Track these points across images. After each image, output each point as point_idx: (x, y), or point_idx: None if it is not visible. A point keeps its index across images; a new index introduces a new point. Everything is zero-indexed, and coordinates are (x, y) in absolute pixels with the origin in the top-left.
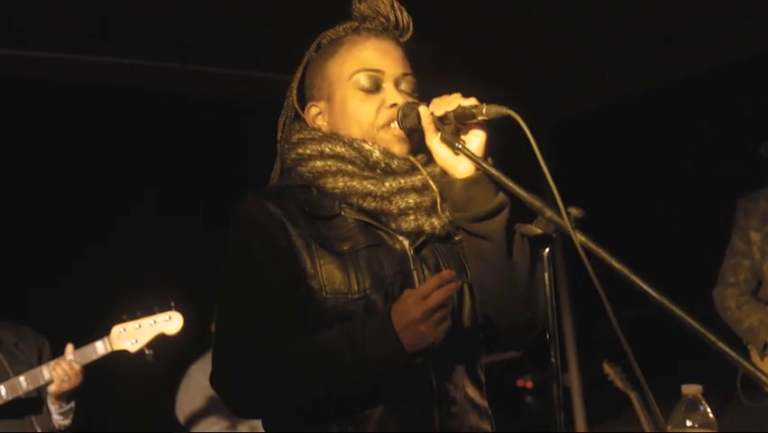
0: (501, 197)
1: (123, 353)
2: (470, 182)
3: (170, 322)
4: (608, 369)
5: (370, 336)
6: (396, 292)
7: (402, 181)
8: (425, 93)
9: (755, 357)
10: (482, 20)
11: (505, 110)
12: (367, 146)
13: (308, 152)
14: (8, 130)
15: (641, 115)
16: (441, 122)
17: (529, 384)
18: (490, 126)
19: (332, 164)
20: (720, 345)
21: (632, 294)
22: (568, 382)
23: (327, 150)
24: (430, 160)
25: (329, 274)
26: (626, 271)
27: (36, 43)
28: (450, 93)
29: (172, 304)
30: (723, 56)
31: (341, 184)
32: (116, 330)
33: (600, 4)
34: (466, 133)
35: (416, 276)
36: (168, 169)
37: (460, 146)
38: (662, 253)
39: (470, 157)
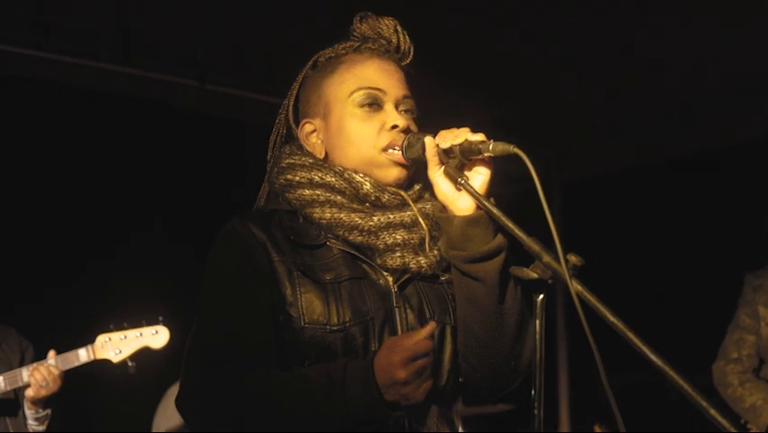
0: (500, 239)
1: (106, 362)
2: (469, 221)
3: (157, 336)
4: (598, 430)
5: (352, 383)
6: (376, 328)
7: (391, 216)
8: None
9: None
10: (504, 72)
11: (512, 148)
12: (358, 177)
13: (297, 178)
14: (9, 131)
15: (655, 181)
16: (445, 155)
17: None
18: (502, 175)
19: (320, 194)
20: (713, 412)
21: (637, 359)
22: None
23: (317, 178)
24: (423, 194)
25: (309, 303)
26: (620, 325)
27: (58, 47)
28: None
29: (160, 318)
30: (741, 131)
31: (328, 215)
32: (101, 339)
33: (627, 71)
34: (470, 169)
35: (397, 314)
36: (172, 185)
37: (463, 182)
38: (663, 320)
39: (473, 194)
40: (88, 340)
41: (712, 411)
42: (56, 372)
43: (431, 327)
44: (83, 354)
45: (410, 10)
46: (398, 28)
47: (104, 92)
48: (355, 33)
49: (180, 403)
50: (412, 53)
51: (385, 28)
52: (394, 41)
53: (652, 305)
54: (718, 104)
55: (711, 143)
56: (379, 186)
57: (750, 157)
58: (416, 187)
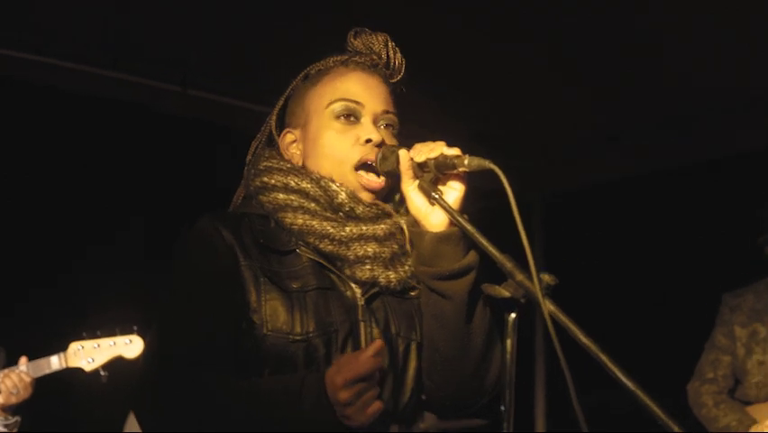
0: (471, 257)
1: (78, 371)
2: (440, 237)
3: (130, 345)
4: None
5: (308, 396)
6: (339, 340)
7: (364, 228)
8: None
9: None
10: (486, 84)
11: (487, 163)
12: (334, 186)
13: (273, 181)
14: None
15: (637, 195)
16: (420, 169)
17: None
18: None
19: (294, 199)
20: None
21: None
22: None
23: (293, 183)
24: (399, 208)
25: (273, 311)
26: (592, 346)
27: (42, 48)
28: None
29: (135, 328)
30: (727, 145)
31: (300, 221)
32: (74, 347)
33: (610, 83)
34: (445, 183)
35: (362, 328)
36: (151, 191)
37: (437, 196)
38: (639, 335)
39: (446, 209)
40: (61, 348)
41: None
42: (27, 379)
43: (376, 346)
44: (55, 362)
45: (394, 19)
46: (390, 44)
47: (86, 95)
48: (348, 48)
49: (136, 402)
50: (403, 70)
51: (376, 43)
52: (384, 56)
53: (630, 319)
54: (704, 118)
55: (696, 157)
56: (355, 197)
57: (735, 172)
58: (396, 197)
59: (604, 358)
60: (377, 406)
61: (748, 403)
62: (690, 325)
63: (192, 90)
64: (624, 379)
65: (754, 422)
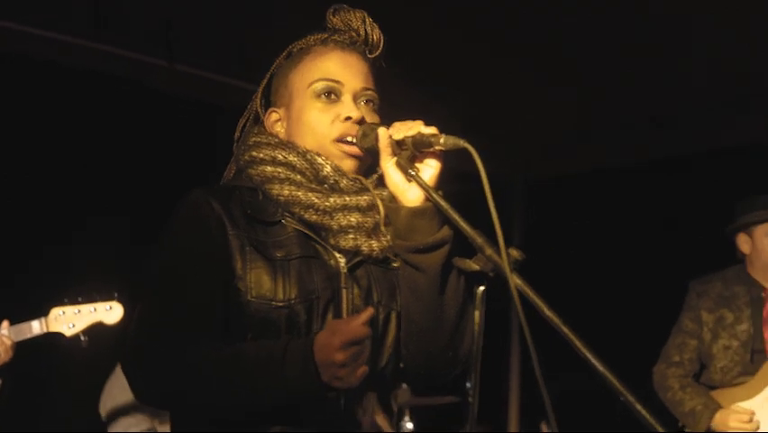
0: (444, 232)
1: (59, 335)
2: (416, 212)
3: (111, 312)
4: (545, 429)
5: (291, 361)
6: (321, 307)
7: (347, 199)
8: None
9: None
10: (475, 71)
11: (462, 142)
12: (320, 160)
13: (261, 155)
14: None
15: (620, 186)
16: (398, 146)
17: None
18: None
19: (281, 171)
20: (642, 410)
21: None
22: None
23: (280, 157)
24: (381, 182)
25: (257, 278)
26: (555, 319)
27: (22, 18)
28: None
29: (115, 294)
30: (710, 139)
31: (286, 192)
32: (55, 312)
33: (597, 78)
34: (421, 161)
35: (344, 294)
36: (137, 164)
37: (413, 173)
38: (611, 319)
39: (422, 186)
40: (42, 313)
41: (641, 409)
42: (8, 342)
43: (368, 313)
44: (36, 326)
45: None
46: (367, 20)
47: (70, 67)
48: (327, 25)
49: (128, 361)
50: (381, 45)
51: (354, 20)
52: (362, 32)
53: (602, 302)
54: (688, 112)
55: (679, 150)
56: (339, 170)
57: (710, 167)
58: (374, 175)
59: (567, 331)
60: (364, 369)
61: (713, 388)
62: (660, 308)
63: (180, 66)
64: (586, 352)
65: (719, 406)
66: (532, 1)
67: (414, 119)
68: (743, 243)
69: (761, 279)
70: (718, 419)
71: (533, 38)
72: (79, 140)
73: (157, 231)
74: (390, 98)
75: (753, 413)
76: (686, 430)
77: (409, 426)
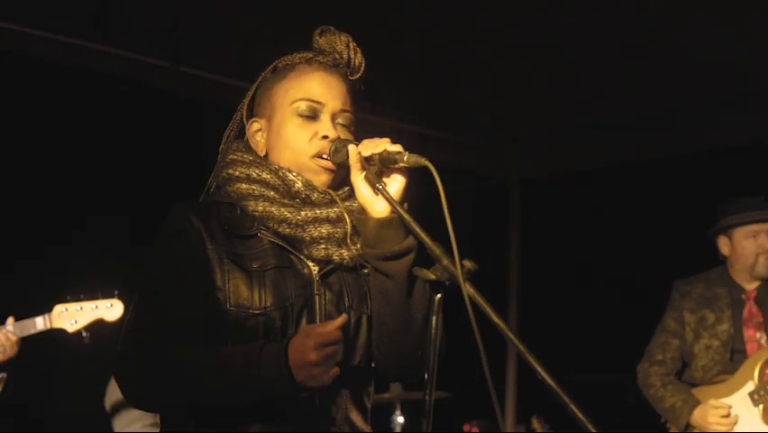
0: (409, 241)
1: (61, 332)
2: (382, 223)
3: (111, 309)
4: (535, 423)
5: (265, 363)
6: (295, 313)
7: (318, 212)
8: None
9: None
10: (474, 68)
11: (423, 161)
12: (291, 176)
13: (237, 173)
14: None
15: (614, 183)
16: (367, 162)
17: (475, 430)
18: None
19: (255, 188)
20: (574, 407)
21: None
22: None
23: (254, 174)
24: (351, 194)
25: (236, 288)
26: (502, 325)
27: (29, 21)
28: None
29: (116, 292)
30: (705, 141)
31: (260, 208)
32: (58, 309)
33: (596, 77)
34: (388, 176)
35: (317, 300)
36: (138, 163)
37: (380, 187)
38: (597, 316)
39: (387, 199)
40: (46, 310)
41: (573, 407)
42: (13, 338)
43: (343, 318)
44: (40, 323)
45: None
46: (351, 44)
47: (75, 68)
48: (314, 45)
49: (118, 368)
50: (362, 69)
51: (339, 43)
52: (345, 56)
53: (591, 300)
54: (687, 111)
55: (678, 149)
56: (310, 185)
57: (714, 165)
58: (346, 188)
59: (511, 336)
60: (336, 370)
61: (694, 385)
62: (647, 308)
63: (184, 67)
64: (527, 355)
65: (698, 403)
66: (532, 1)
67: (416, 117)
68: (723, 245)
69: (741, 281)
70: (697, 414)
71: (532, 38)
72: (80, 140)
73: (153, 227)
74: (390, 95)
75: (730, 407)
76: (668, 426)
77: (400, 420)
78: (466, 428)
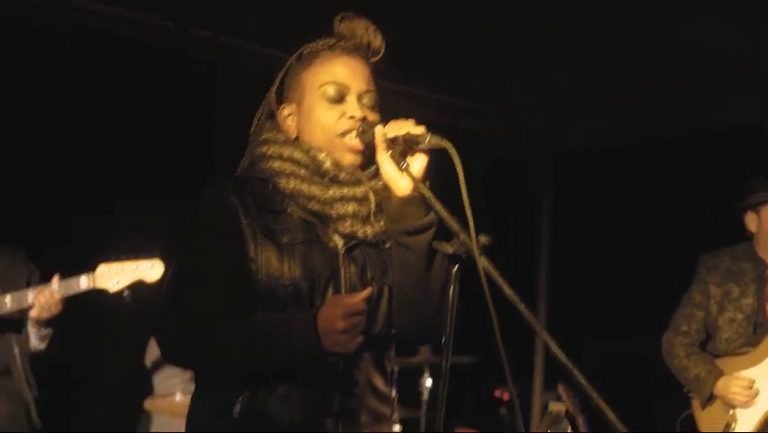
0: (430, 217)
1: (104, 291)
2: (405, 200)
3: (152, 269)
4: (561, 390)
5: (295, 331)
6: (322, 284)
7: (345, 191)
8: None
9: (697, 407)
10: (501, 44)
11: (444, 142)
12: (321, 156)
13: (270, 152)
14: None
15: (644, 159)
16: (392, 142)
17: (506, 396)
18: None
19: (287, 167)
20: (582, 380)
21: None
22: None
23: (286, 153)
24: (377, 174)
25: (267, 260)
26: (514, 298)
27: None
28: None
29: (157, 252)
30: (725, 117)
31: (291, 185)
32: (101, 269)
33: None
34: (412, 155)
35: (342, 273)
36: (182, 129)
37: (404, 166)
38: (628, 289)
39: (411, 177)
40: (90, 268)
41: (576, 373)
42: (58, 296)
43: (369, 291)
44: (83, 282)
45: None
46: (370, 28)
47: (115, 37)
48: (336, 31)
49: (158, 328)
50: (382, 51)
51: (359, 28)
52: (365, 40)
53: (624, 275)
54: (703, 90)
55: (693, 128)
56: (339, 165)
57: (727, 145)
58: (372, 168)
59: (523, 308)
60: (360, 338)
61: (717, 356)
62: (675, 280)
63: (224, 36)
64: (538, 328)
65: (722, 374)
66: None
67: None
68: (750, 221)
69: (766, 257)
70: (721, 385)
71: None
72: (127, 106)
73: (194, 192)
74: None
75: (753, 381)
76: (691, 395)
77: (428, 383)
78: (498, 393)
